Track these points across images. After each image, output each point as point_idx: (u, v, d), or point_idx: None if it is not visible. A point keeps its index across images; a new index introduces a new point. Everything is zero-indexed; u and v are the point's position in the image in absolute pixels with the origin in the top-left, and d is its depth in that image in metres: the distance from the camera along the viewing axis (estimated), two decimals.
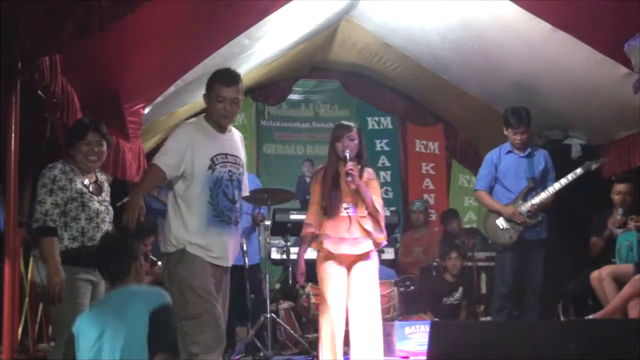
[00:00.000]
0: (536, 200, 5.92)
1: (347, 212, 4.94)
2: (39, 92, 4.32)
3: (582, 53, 5.59)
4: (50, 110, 4.57)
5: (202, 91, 6.62)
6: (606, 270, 5.75)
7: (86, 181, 4.19)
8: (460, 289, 7.12)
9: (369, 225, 4.93)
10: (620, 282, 5.61)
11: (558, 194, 5.93)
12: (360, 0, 6.58)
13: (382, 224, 5.00)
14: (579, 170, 5.87)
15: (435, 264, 7.51)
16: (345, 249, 4.91)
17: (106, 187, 4.37)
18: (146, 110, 5.54)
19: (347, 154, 4.91)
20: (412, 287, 7.14)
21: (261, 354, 6.03)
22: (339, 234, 4.92)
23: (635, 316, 5.31)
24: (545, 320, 5.99)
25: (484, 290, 7.39)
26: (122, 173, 5.63)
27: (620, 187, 6.11)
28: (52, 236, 4.01)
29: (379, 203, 4.97)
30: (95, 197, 4.19)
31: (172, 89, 5.63)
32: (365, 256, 4.95)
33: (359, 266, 4.95)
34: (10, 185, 4.09)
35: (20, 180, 4.22)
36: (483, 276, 7.44)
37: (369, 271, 4.97)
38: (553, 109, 6.74)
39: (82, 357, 3.30)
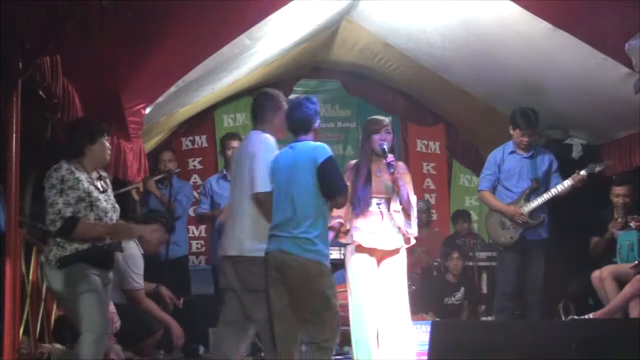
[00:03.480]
0: (539, 201, 5.92)
1: (379, 208, 4.94)
2: (40, 92, 4.33)
3: (583, 53, 5.59)
4: (51, 110, 4.57)
5: (203, 91, 6.68)
6: (607, 270, 5.76)
7: (93, 179, 4.17)
8: (462, 289, 7.12)
9: (401, 220, 4.93)
10: (621, 281, 5.62)
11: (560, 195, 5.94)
12: (360, 1, 6.58)
13: (415, 219, 5.04)
14: (582, 172, 5.87)
15: (436, 264, 7.51)
16: (375, 243, 4.91)
17: (108, 182, 4.36)
18: (147, 111, 5.53)
19: (385, 147, 4.94)
20: (413, 287, 7.13)
21: (262, 353, 6.02)
22: (370, 229, 4.91)
23: (636, 316, 5.32)
24: (547, 319, 5.99)
25: (485, 290, 7.38)
26: (123, 173, 5.64)
27: (619, 189, 6.12)
28: (78, 222, 4.00)
29: (413, 199, 5.00)
30: (102, 196, 4.17)
31: (173, 89, 5.63)
32: (395, 252, 4.95)
33: (388, 262, 4.96)
34: (12, 185, 4.10)
35: (21, 181, 4.22)
36: (484, 276, 7.43)
37: (398, 267, 4.97)
38: (554, 108, 6.74)
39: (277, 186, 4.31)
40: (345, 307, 5.04)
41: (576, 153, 7.04)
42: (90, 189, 4.10)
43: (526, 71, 6.37)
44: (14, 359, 4.05)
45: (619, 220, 6.01)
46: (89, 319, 4.01)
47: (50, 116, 4.81)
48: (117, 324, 5.42)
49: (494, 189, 6.13)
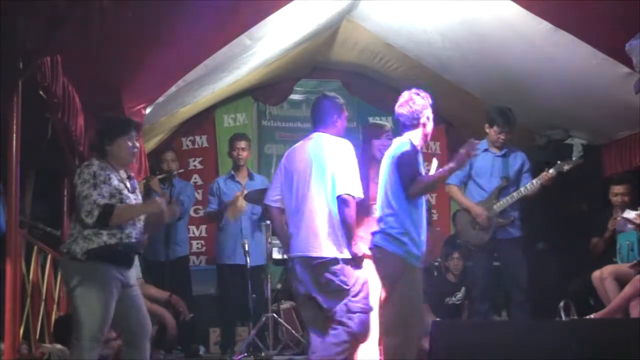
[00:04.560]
0: (508, 200, 5.95)
1: None
2: (40, 92, 4.33)
3: (583, 53, 5.58)
4: (52, 110, 4.57)
5: (203, 91, 6.68)
6: (607, 270, 5.76)
7: (123, 178, 4.22)
8: (463, 289, 7.12)
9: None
10: (621, 281, 5.62)
11: (546, 193, 5.97)
12: (361, 0, 6.58)
13: None
14: (551, 171, 5.90)
15: (437, 264, 7.51)
16: None
17: (136, 183, 4.42)
18: (147, 111, 5.53)
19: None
20: None
21: (262, 353, 6.03)
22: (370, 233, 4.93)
23: (637, 316, 5.31)
24: (547, 320, 6.00)
25: None
26: None
27: (617, 188, 6.13)
28: (114, 207, 4.02)
29: None
30: (132, 195, 4.22)
31: (173, 89, 5.63)
32: None
33: None
34: (12, 185, 4.09)
35: (21, 181, 4.22)
36: None
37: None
38: (554, 108, 6.74)
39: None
40: None
41: (576, 153, 7.05)
42: (120, 187, 4.14)
43: (526, 71, 6.37)
44: (14, 359, 4.04)
45: (618, 219, 6.01)
46: (87, 324, 4.00)
47: (51, 116, 4.82)
48: None
49: (464, 185, 6.19)
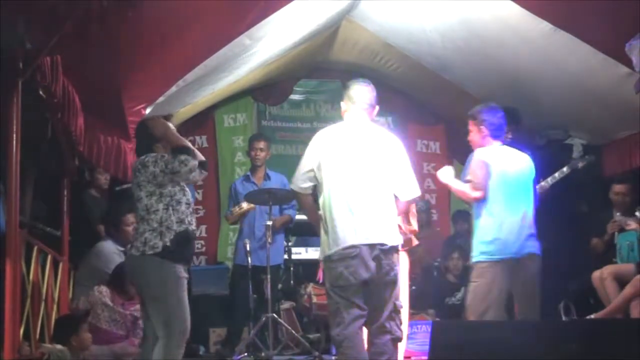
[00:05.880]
0: None
1: None
2: (40, 92, 4.33)
3: (583, 53, 5.59)
4: (52, 110, 4.58)
5: (203, 91, 6.67)
6: (608, 270, 5.76)
7: None
8: (463, 289, 7.12)
9: (398, 219, 4.96)
10: (621, 281, 5.62)
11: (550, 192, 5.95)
12: (361, 1, 6.58)
13: (414, 216, 5.25)
14: (565, 169, 5.89)
15: (437, 264, 7.51)
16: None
17: None
18: (147, 111, 5.53)
19: None
20: (414, 287, 7.14)
21: (262, 354, 6.03)
22: None
23: (637, 316, 5.32)
24: (547, 320, 5.99)
25: None
26: (124, 173, 5.64)
27: (618, 187, 6.13)
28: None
29: None
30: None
31: (173, 89, 5.63)
32: None
33: None
34: (12, 185, 4.09)
35: (21, 181, 4.22)
36: None
37: (402, 266, 4.99)
38: (554, 108, 6.74)
39: None
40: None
41: (576, 153, 7.05)
42: None
43: (526, 71, 6.37)
44: (14, 359, 4.04)
45: (617, 222, 6.01)
46: (181, 322, 4.20)
47: (51, 116, 4.82)
48: None
49: None
